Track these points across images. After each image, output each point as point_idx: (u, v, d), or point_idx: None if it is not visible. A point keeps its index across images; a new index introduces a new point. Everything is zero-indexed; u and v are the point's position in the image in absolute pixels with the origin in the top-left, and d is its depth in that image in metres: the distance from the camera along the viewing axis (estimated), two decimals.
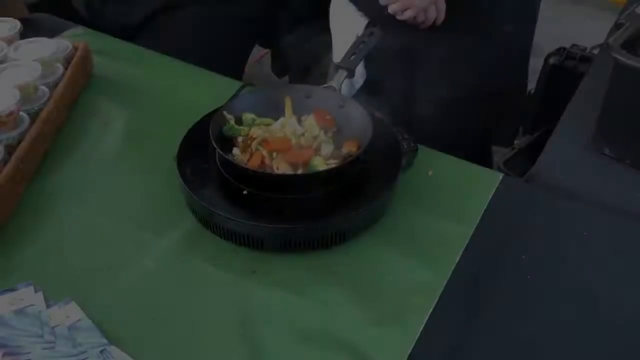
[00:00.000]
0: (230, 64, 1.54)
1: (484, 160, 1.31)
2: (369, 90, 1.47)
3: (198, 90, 1.28)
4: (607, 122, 1.07)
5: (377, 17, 1.30)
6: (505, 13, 1.34)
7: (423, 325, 0.82)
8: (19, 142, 1.02)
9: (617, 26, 1.08)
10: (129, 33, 1.53)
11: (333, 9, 1.46)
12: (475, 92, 1.38)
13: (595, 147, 1.11)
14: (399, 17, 1.27)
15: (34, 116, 1.09)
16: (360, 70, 1.42)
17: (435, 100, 1.40)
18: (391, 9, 1.27)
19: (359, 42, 1.16)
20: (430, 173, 1.07)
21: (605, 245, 0.95)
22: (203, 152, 1.01)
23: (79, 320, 0.82)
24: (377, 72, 1.44)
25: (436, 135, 1.42)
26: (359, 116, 1.03)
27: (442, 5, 1.23)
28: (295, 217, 0.91)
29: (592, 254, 0.94)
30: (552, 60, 1.96)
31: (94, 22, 1.55)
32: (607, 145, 1.09)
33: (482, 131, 1.52)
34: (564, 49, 1.96)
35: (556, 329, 0.83)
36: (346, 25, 1.40)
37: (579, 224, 0.98)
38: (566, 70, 1.92)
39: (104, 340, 0.79)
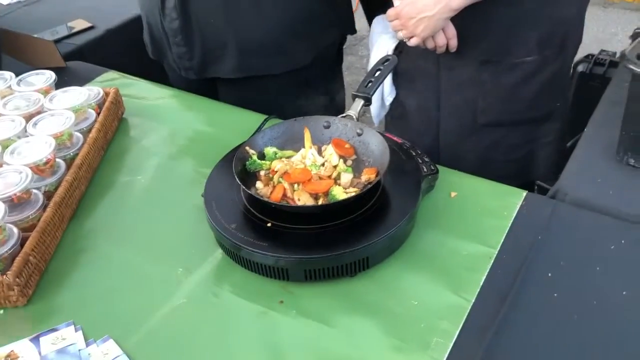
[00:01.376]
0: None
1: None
2: (397, 108, 1.49)
3: (228, 126, 1.33)
4: (630, 133, 1.06)
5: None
6: (528, 44, 1.28)
7: (449, 351, 0.83)
8: (57, 187, 1.08)
9: (634, 36, 1.07)
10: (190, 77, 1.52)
11: (374, 28, 1.49)
12: (502, 119, 1.37)
13: (619, 159, 1.09)
14: (407, 44, 1.29)
15: (69, 162, 1.15)
16: (389, 88, 1.44)
17: (456, 125, 1.40)
18: (398, 36, 1.29)
19: (374, 69, 1.18)
20: (453, 195, 1.08)
21: (635, 258, 0.94)
22: (229, 188, 1.04)
23: (117, 357, 0.86)
24: (403, 91, 1.46)
25: (463, 160, 1.43)
26: (376, 143, 1.05)
27: (452, 32, 1.24)
28: (318, 246, 0.93)
29: (620, 267, 0.92)
30: (580, 68, 1.94)
31: (157, 59, 1.60)
32: (631, 156, 1.07)
33: (515, 162, 1.45)
34: (592, 55, 1.94)
35: (586, 349, 0.82)
36: (383, 44, 1.43)
37: (606, 238, 0.97)
38: (595, 76, 1.90)
39: None
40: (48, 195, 1.07)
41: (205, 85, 1.52)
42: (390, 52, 1.39)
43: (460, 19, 1.22)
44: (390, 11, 1.27)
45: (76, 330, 0.90)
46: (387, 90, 1.44)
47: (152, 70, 1.66)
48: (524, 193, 1.07)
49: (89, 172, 1.18)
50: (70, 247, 1.06)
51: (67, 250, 1.05)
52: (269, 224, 0.96)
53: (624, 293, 0.89)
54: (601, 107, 1.27)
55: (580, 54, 1.68)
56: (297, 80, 1.50)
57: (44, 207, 1.04)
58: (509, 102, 1.33)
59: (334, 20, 1.51)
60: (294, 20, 1.42)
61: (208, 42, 1.43)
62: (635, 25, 3.52)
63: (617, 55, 1.95)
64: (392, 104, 1.48)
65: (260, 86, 1.48)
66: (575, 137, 1.73)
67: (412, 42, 1.26)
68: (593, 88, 1.87)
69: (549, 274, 0.92)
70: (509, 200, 1.06)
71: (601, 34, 3.45)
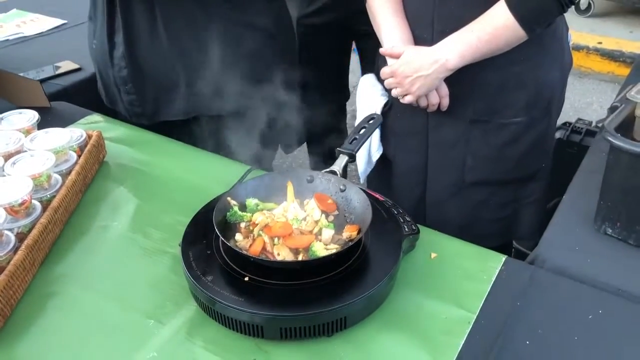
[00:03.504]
0: None
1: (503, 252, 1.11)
2: (384, 165, 1.50)
3: (208, 174, 1.32)
4: (607, 204, 1.07)
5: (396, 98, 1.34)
6: (517, 105, 1.31)
7: None
8: (30, 229, 1.06)
9: (612, 109, 1.11)
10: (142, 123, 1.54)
11: (360, 86, 1.52)
12: (489, 178, 1.39)
13: (597, 228, 1.11)
14: (401, 101, 1.31)
15: (46, 203, 1.13)
16: (377, 145, 1.46)
17: (443, 183, 1.41)
18: (393, 93, 1.32)
19: (359, 127, 1.20)
20: (433, 256, 1.08)
21: (612, 328, 0.93)
22: (207, 238, 1.03)
23: None
24: (390, 149, 1.47)
25: (449, 218, 1.43)
26: (359, 200, 1.05)
27: (444, 91, 1.27)
28: (296, 304, 0.91)
29: (598, 337, 0.92)
30: (558, 134, 1.99)
31: (111, 107, 1.61)
32: (609, 225, 1.09)
33: (499, 221, 1.46)
34: (569, 123, 1.99)
35: None
36: (370, 102, 1.45)
37: (584, 307, 0.97)
38: (572, 143, 1.95)
39: None
40: (20, 237, 1.05)
41: (156, 130, 1.51)
42: (378, 110, 1.41)
43: (451, 79, 1.25)
44: (385, 69, 1.30)
45: None
46: (374, 147, 1.46)
47: None
48: (504, 258, 1.07)
49: (64, 215, 1.16)
50: (39, 291, 1.02)
51: (35, 295, 1.02)
52: (246, 278, 0.94)
53: None
54: (579, 175, 1.29)
55: (557, 121, 1.73)
56: (250, 119, 1.51)
57: (15, 249, 1.01)
58: (496, 161, 1.35)
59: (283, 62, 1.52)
60: (244, 62, 1.43)
61: (158, 86, 1.45)
62: (609, 95, 3.68)
63: (593, 124, 2.01)
64: (379, 160, 1.49)
65: (212, 126, 1.49)
66: (554, 201, 1.76)
67: (406, 100, 1.28)
68: (570, 155, 1.91)
69: (527, 342, 0.91)
70: (488, 264, 1.05)
71: (577, 102, 3.57)
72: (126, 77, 1.45)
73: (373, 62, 1.50)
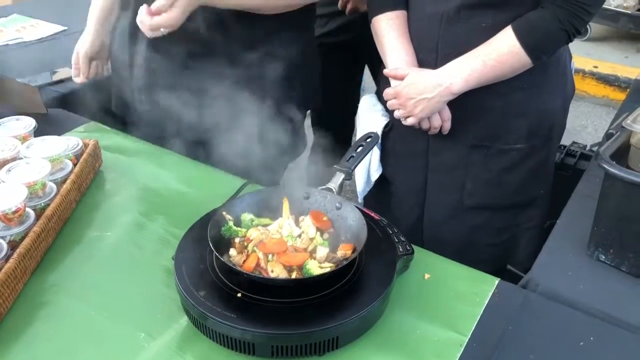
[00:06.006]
0: None
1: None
2: (383, 186, 1.50)
3: (203, 187, 1.32)
4: (601, 230, 1.08)
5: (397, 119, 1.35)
6: (518, 132, 1.32)
7: None
8: (23, 238, 1.05)
9: (608, 136, 1.11)
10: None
11: (361, 107, 1.52)
12: (488, 203, 1.39)
13: (590, 253, 1.11)
14: (403, 123, 1.32)
15: (39, 212, 1.12)
16: (376, 165, 1.46)
17: (442, 206, 1.41)
18: (396, 115, 1.32)
19: (356, 145, 1.20)
20: (426, 277, 1.08)
21: (603, 356, 0.93)
22: (201, 252, 1.02)
23: None
24: (390, 170, 1.47)
25: (446, 241, 1.43)
26: (354, 218, 1.05)
27: (447, 115, 1.27)
28: (288, 322, 0.90)
29: None
30: None
31: (119, 113, 1.59)
32: (602, 252, 1.09)
33: (497, 246, 1.46)
34: (564, 146, 2.01)
35: None
36: (371, 123, 1.45)
37: (575, 333, 0.97)
38: (567, 166, 1.96)
39: None
40: (13, 245, 1.04)
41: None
42: (379, 130, 1.41)
43: (454, 103, 1.26)
44: (388, 90, 1.30)
45: None
46: (374, 167, 1.46)
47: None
48: (497, 281, 1.07)
49: (58, 224, 1.15)
50: (30, 301, 1.02)
51: (26, 305, 1.01)
52: (239, 295, 0.94)
53: None
54: (574, 200, 1.29)
55: None
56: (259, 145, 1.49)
57: (7, 257, 1.00)
58: (495, 186, 1.36)
59: (299, 99, 1.50)
60: (263, 93, 1.39)
61: (167, 111, 1.39)
62: (604, 118, 3.70)
63: (588, 147, 2.02)
64: (377, 180, 1.49)
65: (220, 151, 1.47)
66: (548, 222, 1.77)
67: (409, 122, 1.29)
68: (564, 178, 1.92)
69: None
70: (481, 287, 1.05)
71: (572, 125, 3.59)
72: (142, 88, 1.42)
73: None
